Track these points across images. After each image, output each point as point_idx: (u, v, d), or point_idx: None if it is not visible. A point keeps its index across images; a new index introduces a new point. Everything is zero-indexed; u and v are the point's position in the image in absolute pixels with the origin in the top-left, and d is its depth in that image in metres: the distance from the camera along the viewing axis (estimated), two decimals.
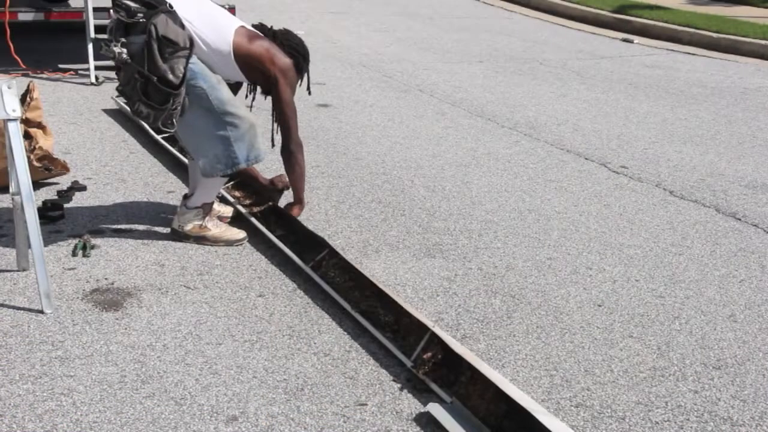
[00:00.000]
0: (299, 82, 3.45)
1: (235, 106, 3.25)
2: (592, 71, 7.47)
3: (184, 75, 3.05)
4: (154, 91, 3.02)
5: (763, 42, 8.66)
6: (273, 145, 3.61)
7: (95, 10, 6.10)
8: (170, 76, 3.01)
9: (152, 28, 2.98)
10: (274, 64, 3.27)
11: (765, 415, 2.44)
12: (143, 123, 4.89)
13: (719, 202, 4.24)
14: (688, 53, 8.63)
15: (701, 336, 2.88)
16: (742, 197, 4.33)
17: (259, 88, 3.49)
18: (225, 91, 3.23)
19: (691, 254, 3.59)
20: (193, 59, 3.11)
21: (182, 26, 3.07)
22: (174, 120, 3.10)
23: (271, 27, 3.44)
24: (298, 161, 3.48)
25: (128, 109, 5.16)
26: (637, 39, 9.30)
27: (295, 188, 3.57)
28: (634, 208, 4.12)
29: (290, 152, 3.44)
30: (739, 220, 4.02)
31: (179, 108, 3.08)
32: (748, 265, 3.50)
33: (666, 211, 4.11)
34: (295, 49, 3.40)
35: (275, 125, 3.51)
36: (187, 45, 3.06)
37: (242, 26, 3.30)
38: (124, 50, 3.03)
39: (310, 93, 3.56)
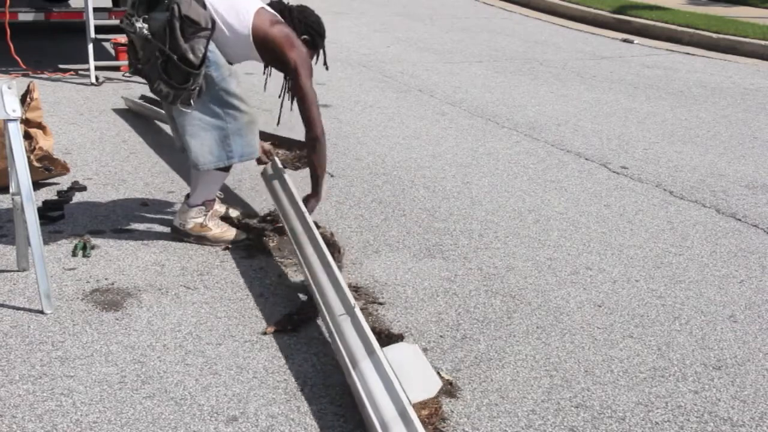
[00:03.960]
0: (315, 59, 3.44)
1: (240, 100, 3.25)
2: (592, 71, 7.47)
3: (204, 55, 3.06)
4: (174, 70, 3.03)
5: (763, 42, 8.65)
6: (278, 123, 3.70)
7: (95, 10, 6.11)
8: (191, 56, 3.02)
9: (175, 7, 2.98)
10: (293, 51, 3.24)
11: (765, 415, 2.44)
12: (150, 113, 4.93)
13: (719, 203, 4.24)
14: (688, 54, 8.62)
15: (701, 336, 2.88)
16: (742, 197, 4.33)
17: (273, 69, 3.49)
18: (233, 84, 3.23)
19: (691, 254, 3.59)
20: (211, 47, 3.11)
21: (204, 6, 3.08)
22: (192, 100, 3.12)
23: (288, 3, 3.45)
24: (317, 152, 3.40)
25: (137, 108, 5.25)
26: (637, 39, 9.30)
27: (314, 178, 3.48)
28: (634, 209, 4.12)
29: (314, 140, 3.37)
30: (739, 220, 4.02)
31: (198, 88, 3.10)
32: (748, 266, 3.50)
33: (666, 211, 4.11)
34: (312, 27, 3.40)
35: (283, 106, 3.53)
36: (209, 26, 3.07)
37: (262, 8, 3.29)
38: (146, 26, 3.03)
39: (327, 68, 3.55)
